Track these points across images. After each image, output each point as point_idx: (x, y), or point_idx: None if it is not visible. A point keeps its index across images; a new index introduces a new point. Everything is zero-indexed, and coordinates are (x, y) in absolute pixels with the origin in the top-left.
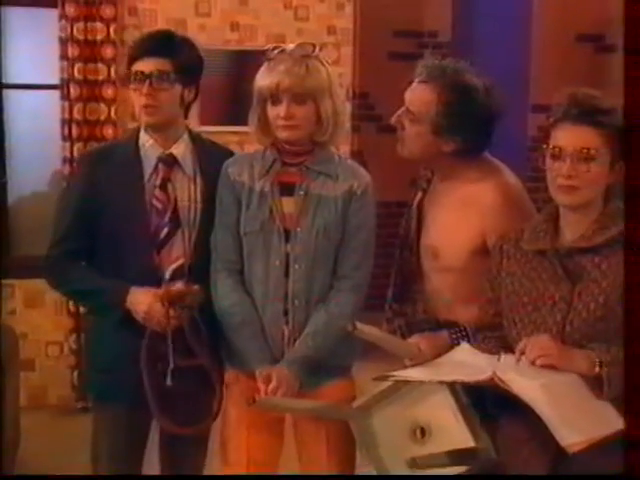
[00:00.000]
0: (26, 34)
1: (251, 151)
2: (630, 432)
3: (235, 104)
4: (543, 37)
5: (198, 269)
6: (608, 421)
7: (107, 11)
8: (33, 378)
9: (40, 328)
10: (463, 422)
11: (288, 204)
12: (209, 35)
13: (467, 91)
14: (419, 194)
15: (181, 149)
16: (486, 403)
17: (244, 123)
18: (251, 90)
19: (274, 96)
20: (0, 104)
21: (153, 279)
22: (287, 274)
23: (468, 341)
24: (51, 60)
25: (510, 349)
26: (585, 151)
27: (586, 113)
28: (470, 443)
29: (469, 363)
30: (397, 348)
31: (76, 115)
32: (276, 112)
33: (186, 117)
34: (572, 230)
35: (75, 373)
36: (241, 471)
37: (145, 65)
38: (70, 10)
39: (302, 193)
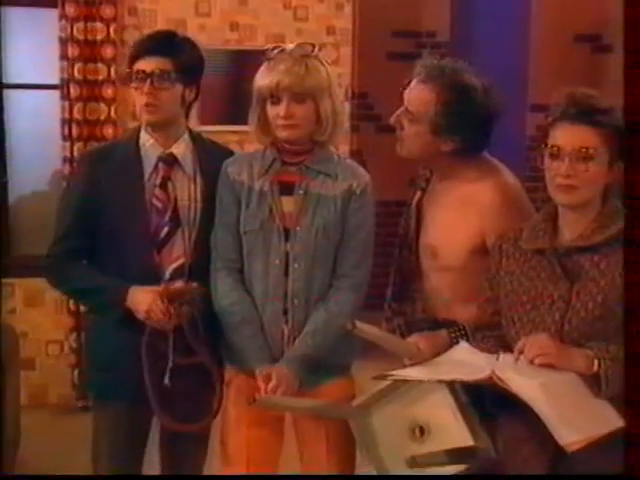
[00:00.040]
0: (26, 34)
1: (251, 150)
2: (630, 431)
3: (235, 104)
4: (541, 37)
5: (198, 268)
6: (606, 420)
7: (107, 11)
8: (33, 377)
9: (40, 327)
10: (462, 421)
11: (288, 203)
12: (209, 35)
13: (466, 91)
14: (418, 193)
15: (181, 149)
16: (485, 402)
17: (244, 122)
18: (251, 90)
19: (274, 95)
20: (0, 104)
21: (153, 278)
22: (287, 273)
23: (467, 340)
24: (51, 60)
25: (509, 348)
26: (583, 150)
27: (584, 113)
28: (469, 442)
29: (468, 362)
30: (396, 347)
31: (76, 115)
32: (276, 111)
33: (187, 117)
34: (571, 229)
35: (75, 372)
36: (241, 469)
37: (146, 64)
38: (70, 10)
39: (302, 192)
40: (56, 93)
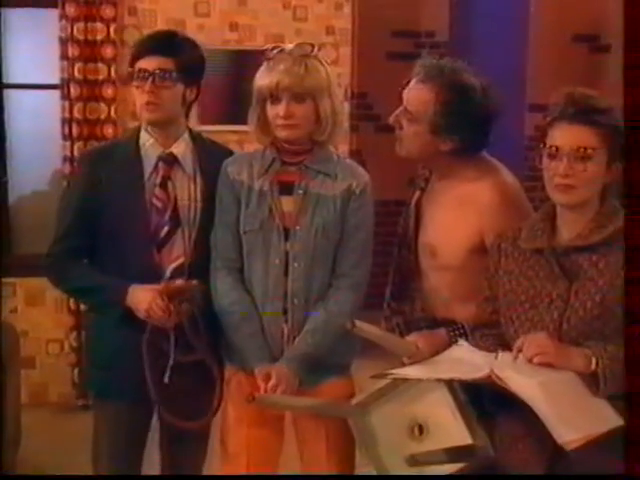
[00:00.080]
0: (27, 34)
1: (251, 150)
2: (631, 431)
3: (234, 103)
4: (540, 37)
5: (198, 267)
6: (604, 418)
7: (107, 11)
8: (34, 376)
9: (41, 326)
10: (461, 419)
11: (287, 203)
12: (208, 35)
13: (465, 91)
14: (417, 193)
15: (181, 148)
16: (483, 400)
17: (243, 122)
18: (250, 89)
19: (273, 95)
20: (1, 104)
21: (153, 277)
22: (286, 273)
23: (466, 339)
24: (51, 60)
25: (507, 347)
26: (582, 150)
27: (583, 112)
28: (468, 440)
29: (467, 361)
30: (395, 346)
31: (76, 114)
32: (275, 111)
33: (187, 117)
34: (569, 229)
35: (75, 371)
36: (241, 468)
37: (148, 63)
38: (70, 10)
39: (301, 192)
40: (56, 93)
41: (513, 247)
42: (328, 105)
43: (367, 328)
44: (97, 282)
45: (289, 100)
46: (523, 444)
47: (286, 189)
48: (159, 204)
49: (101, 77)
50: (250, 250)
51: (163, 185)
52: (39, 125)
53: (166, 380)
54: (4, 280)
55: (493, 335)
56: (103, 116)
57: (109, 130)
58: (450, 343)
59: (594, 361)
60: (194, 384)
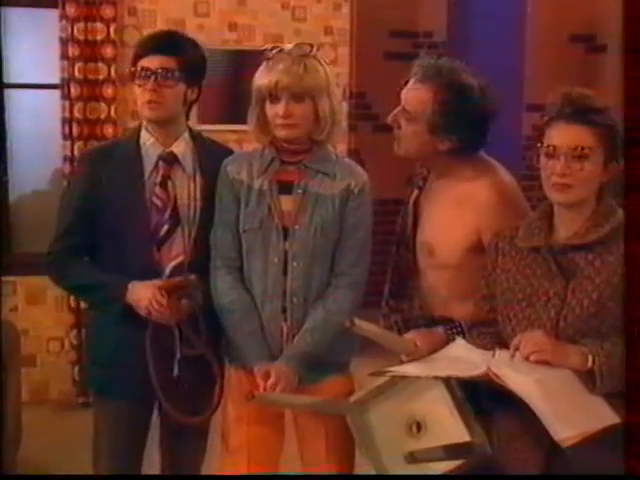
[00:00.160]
0: (27, 34)
1: (250, 150)
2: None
3: (233, 103)
4: (537, 37)
5: (198, 266)
6: (601, 416)
7: (107, 11)
8: (34, 373)
9: (41, 324)
10: (458, 417)
11: (286, 202)
12: (208, 35)
13: (462, 90)
14: (415, 192)
15: (181, 147)
16: (481, 398)
17: (243, 122)
18: (249, 89)
19: (273, 95)
20: (1, 103)
21: (153, 275)
22: (285, 272)
23: (463, 337)
24: (52, 60)
25: (505, 345)
26: (579, 150)
27: (580, 112)
28: (465, 437)
29: (464, 359)
30: (394, 344)
31: (76, 114)
32: (275, 111)
33: (187, 117)
34: (566, 227)
35: (76, 368)
36: (242, 465)
37: (151, 62)
38: (70, 10)
39: (300, 191)
40: (57, 92)
41: (510, 246)
42: (327, 105)
43: (366, 326)
44: (97, 279)
45: (288, 100)
46: (520, 441)
47: (285, 188)
48: (159, 203)
49: (101, 77)
50: (249, 249)
51: (163, 184)
52: (39, 125)
53: (175, 373)
54: (4, 279)
55: (490, 333)
56: (103, 116)
57: (109, 130)
58: (448, 341)
59: (590, 359)
60: (196, 380)
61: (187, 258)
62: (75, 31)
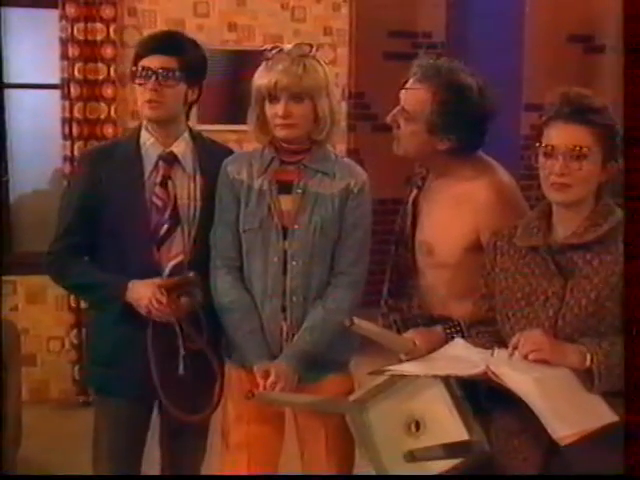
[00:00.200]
0: (27, 34)
1: (250, 150)
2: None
3: (233, 103)
4: (535, 38)
5: (197, 266)
6: (599, 414)
7: (107, 12)
8: (35, 373)
9: (41, 323)
10: (457, 415)
11: (286, 202)
12: (207, 35)
13: (461, 90)
14: (414, 191)
15: (182, 147)
16: (480, 397)
17: (242, 122)
18: (249, 89)
19: (272, 95)
20: (1, 103)
21: (153, 275)
22: (285, 271)
23: (462, 336)
24: (52, 60)
25: (503, 344)
26: (577, 149)
27: (578, 112)
28: (464, 436)
29: (463, 357)
30: (393, 343)
31: (76, 114)
32: (274, 111)
33: (187, 117)
34: (564, 227)
35: (76, 368)
36: (242, 464)
37: (151, 62)
38: (70, 11)
39: (300, 191)
40: (57, 92)
41: (509, 245)
42: (326, 105)
43: (365, 325)
44: (97, 279)
45: (287, 100)
46: (519, 440)
47: (285, 188)
48: (159, 203)
49: (101, 77)
50: (249, 249)
51: (163, 184)
52: (39, 124)
53: (181, 371)
54: (5, 278)
55: (489, 332)
56: (103, 116)
57: (109, 130)
58: (447, 340)
59: (589, 357)
60: (197, 379)
61: (187, 258)
62: (75, 31)
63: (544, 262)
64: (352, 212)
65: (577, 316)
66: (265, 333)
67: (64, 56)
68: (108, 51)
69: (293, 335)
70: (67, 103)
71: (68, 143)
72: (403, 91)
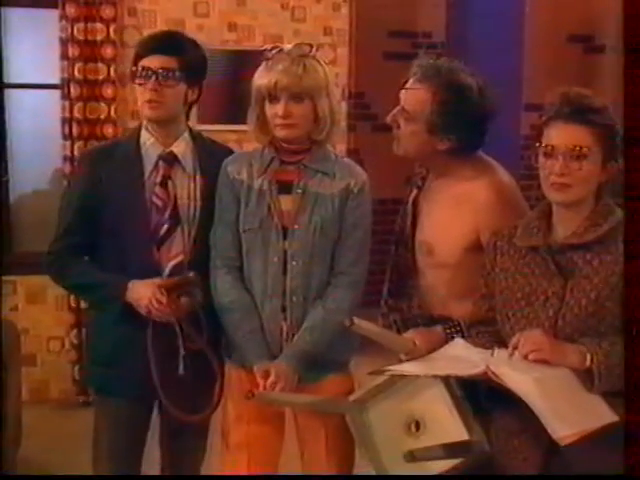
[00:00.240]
0: (27, 34)
1: (250, 150)
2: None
3: (233, 103)
4: (535, 38)
5: (197, 266)
6: (599, 414)
7: (107, 12)
8: (35, 373)
9: (41, 323)
10: (457, 415)
11: (286, 202)
12: (207, 35)
13: (461, 90)
14: (414, 191)
15: (182, 147)
16: (480, 397)
17: (242, 122)
18: (249, 89)
19: (272, 95)
20: (1, 103)
21: (153, 275)
22: (285, 271)
23: (462, 336)
24: (52, 60)
25: (503, 344)
26: (577, 149)
27: (578, 112)
28: (464, 436)
29: (463, 357)
30: (393, 343)
31: (76, 114)
32: (274, 111)
33: (187, 117)
34: (564, 227)
35: (76, 368)
36: (242, 464)
37: (152, 62)
38: (70, 11)
39: (300, 191)
40: (57, 92)
41: (509, 245)
42: (326, 105)
43: (365, 325)
44: (97, 278)
45: (287, 100)
46: (519, 440)
47: (285, 188)
48: (159, 203)
49: (101, 77)
50: (249, 249)
51: (163, 184)
52: (39, 124)
53: (181, 371)
54: (5, 278)
55: (489, 332)
56: (103, 116)
57: (109, 130)
58: (447, 340)
59: (589, 357)
60: (197, 379)
61: (187, 258)
62: (75, 31)
63: (544, 262)
64: (352, 212)
65: (577, 316)
66: (265, 333)
67: (64, 56)
68: (108, 51)
69: (293, 335)
70: (67, 103)
71: (68, 143)
72: (403, 91)
